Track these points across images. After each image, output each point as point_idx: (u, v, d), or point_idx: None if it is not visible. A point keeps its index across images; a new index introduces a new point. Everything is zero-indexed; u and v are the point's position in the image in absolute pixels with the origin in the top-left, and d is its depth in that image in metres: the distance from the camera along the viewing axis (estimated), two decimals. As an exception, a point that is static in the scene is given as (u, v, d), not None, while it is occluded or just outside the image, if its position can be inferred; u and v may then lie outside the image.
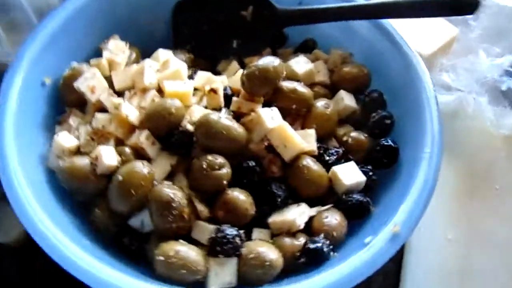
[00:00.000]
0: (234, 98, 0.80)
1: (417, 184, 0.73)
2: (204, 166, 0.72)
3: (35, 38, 0.81)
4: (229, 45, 0.94)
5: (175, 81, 0.80)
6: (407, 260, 0.88)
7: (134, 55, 0.89)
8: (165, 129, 0.76)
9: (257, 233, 0.74)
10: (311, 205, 0.76)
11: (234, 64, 0.90)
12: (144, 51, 0.90)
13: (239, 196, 0.72)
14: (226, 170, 0.73)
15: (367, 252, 0.67)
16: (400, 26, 0.88)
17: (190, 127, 0.76)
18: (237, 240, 0.69)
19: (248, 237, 0.73)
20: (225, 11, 0.92)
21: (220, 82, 0.82)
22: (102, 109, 0.80)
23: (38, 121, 0.80)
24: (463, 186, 0.94)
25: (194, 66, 0.90)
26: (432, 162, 0.74)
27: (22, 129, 0.75)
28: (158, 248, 0.68)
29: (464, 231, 0.90)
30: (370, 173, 0.79)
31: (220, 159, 0.73)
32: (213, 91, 0.79)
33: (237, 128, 0.75)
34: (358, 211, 0.76)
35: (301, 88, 0.81)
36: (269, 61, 0.79)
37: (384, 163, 0.80)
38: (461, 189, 0.94)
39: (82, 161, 0.74)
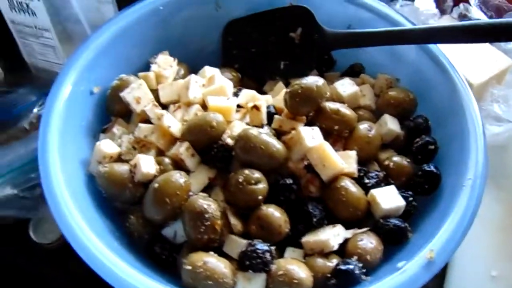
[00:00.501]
0: (276, 116, 0.80)
1: (456, 212, 0.70)
2: (241, 180, 0.72)
3: (86, 49, 0.83)
4: (276, 66, 0.94)
5: (218, 96, 0.81)
6: (447, 295, 0.85)
7: (182, 71, 0.90)
8: (205, 142, 0.76)
9: (289, 252, 0.73)
10: (348, 227, 0.75)
11: (280, 85, 0.90)
12: (193, 68, 0.92)
13: (273, 212, 0.72)
14: (262, 186, 0.73)
15: (399, 277, 0.65)
16: (452, 55, 0.86)
17: (230, 142, 0.76)
18: (267, 255, 0.68)
19: (281, 256, 0.72)
20: (274, 32, 0.93)
21: (264, 100, 0.82)
22: (146, 120, 0.82)
23: (84, 128, 0.82)
24: (509, 220, 0.90)
25: (241, 85, 0.91)
26: (474, 190, 0.72)
27: (67, 135, 0.76)
28: (187, 258, 0.67)
29: (509, 268, 0.86)
30: (410, 199, 0.77)
31: (257, 174, 0.72)
32: (256, 108, 0.79)
33: (276, 144, 0.74)
34: (395, 236, 0.74)
35: (344, 109, 0.80)
36: (313, 80, 0.78)
37: (425, 189, 0.78)
38: (507, 224, 0.90)
39: (122, 168, 0.75)
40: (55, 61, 0.95)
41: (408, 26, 0.88)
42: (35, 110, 0.94)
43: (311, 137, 0.75)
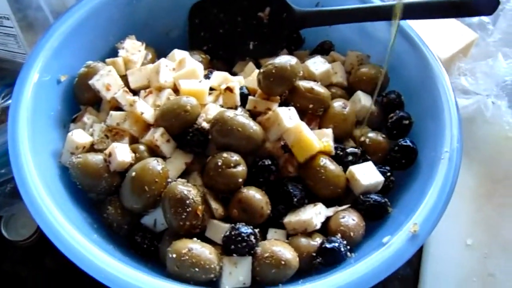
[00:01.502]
0: (250, 97, 0.80)
1: (436, 184, 0.71)
2: (220, 163, 0.71)
3: (51, 36, 0.80)
4: (246, 47, 0.93)
5: (190, 80, 0.79)
6: (425, 266, 0.86)
7: (150, 56, 0.88)
8: (180, 127, 0.75)
9: (272, 233, 0.73)
10: (328, 205, 0.75)
11: (251, 65, 0.90)
12: (160, 52, 0.90)
13: (254, 195, 0.71)
14: (241, 168, 0.72)
15: (386, 252, 0.66)
16: (419, 30, 0.87)
17: (205, 125, 0.75)
18: (252, 238, 0.68)
19: (263, 238, 0.72)
20: (242, 13, 0.92)
21: (236, 81, 0.81)
22: (117, 107, 0.80)
23: (53, 118, 0.79)
24: (482, 191, 0.92)
25: (210, 67, 0.89)
26: (451, 162, 0.73)
27: (36, 126, 0.74)
28: (171, 245, 0.66)
29: (483, 236, 0.88)
30: (388, 174, 0.78)
31: (235, 157, 0.72)
32: (229, 89, 0.78)
33: (253, 126, 0.74)
34: (375, 212, 0.74)
35: (318, 87, 0.80)
36: (286, 60, 0.78)
37: (402, 163, 0.79)
38: (480, 194, 0.92)
39: (96, 157, 0.73)
40: (17, 51, 0.91)
41: (377, 2, 0.88)
42: (-2, 102, 0.90)
43: (288, 117, 0.75)
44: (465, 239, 0.88)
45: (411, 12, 0.84)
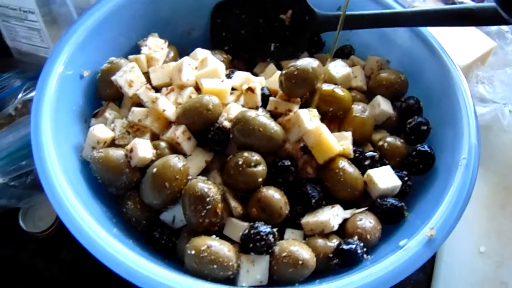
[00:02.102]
0: (272, 98, 0.80)
1: (453, 190, 0.72)
2: (240, 162, 0.72)
3: (75, 32, 0.81)
4: (267, 48, 0.94)
5: (212, 79, 0.80)
6: (438, 272, 0.87)
7: (172, 54, 0.89)
8: (202, 125, 0.76)
9: (289, 233, 0.74)
10: (345, 208, 0.76)
11: (272, 67, 0.90)
12: (181, 51, 0.91)
13: (274, 194, 0.72)
14: (262, 168, 0.73)
15: (402, 255, 0.66)
16: (438, 37, 0.88)
17: (227, 124, 0.76)
18: (271, 237, 0.68)
19: (280, 238, 0.73)
20: (264, 14, 0.93)
21: (258, 82, 0.82)
22: (139, 103, 0.81)
23: (75, 112, 0.80)
24: (496, 199, 0.93)
25: (231, 67, 0.90)
26: (469, 168, 0.73)
27: (58, 119, 0.75)
28: (190, 242, 0.67)
29: (496, 244, 0.89)
30: (406, 178, 0.78)
31: (256, 157, 0.72)
32: (251, 90, 0.79)
33: (274, 126, 0.74)
34: (392, 215, 0.75)
35: (338, 90, 0.80)
36: (308, 62, 0.78)
37: (420, 168, 0.80)
38: (494, 203, 0.92)
39: (117, 153, 0.74)
40: (40, 45, 0.92)
41: (398, 9, 0.89)
42: (20, 95, 0.91)
43: (309, 119, 0.75)
44: (478, 246, 0.88)
45: (430, 20, 0.85)
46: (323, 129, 0.76)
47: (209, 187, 0.69)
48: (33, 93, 0.92)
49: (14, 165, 0.81)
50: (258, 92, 0.80)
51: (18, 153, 0.81)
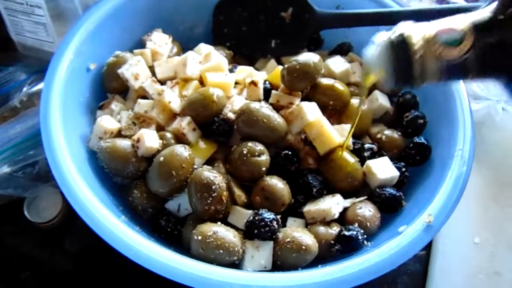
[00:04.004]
0: (274, 91, 0.83)
1: (450, 178, 0.74)
2: (245, 152, 0.74)
3: (81, 26, 0.83)
4: (268, 45, 0.96)
5: (216, 73, 0.82)
6: (433, 262, 0.89)
7: (175, 49, 0.91)
8: (207, 117, 0.78)
9: (291, 221, 0.76)
10: (345, 197, 0.78)
11: (272, 62, 0.93)
12: (183, 47, 0.93)
13: (277, 183, 0.74)
14: (265, 157, 0.75)
15: (402, 240, 0.68)
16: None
17: (231, 116, 0.78)
18: (275, 224, 0.70)
19: (283, 226, 0.74)
20: (265, 12, 0.95)
21: (260, 76, 0.84)
22: (143, 96, 0.83)
23: (82, 104, 0.82)
24: (490, 192, 0.95)
25: (233, 63, 0.92)
26: (464, 158, 0.76)
27: (67, 110, 0.77)
28: (196, 228, 0.69)
29: (490, 235, 0.91)
30: (403, 169, 0.81)
31: (260, 146, 0.75)
32: (254, 83, 0.81)
33: (277, 118, 0.77)
34: (391, 204, 0.78)
35: (338, 85, 0.83)
36: (309, 57, 0.81)
37: (417, 160, 0.82)
38: (487, 195, 0.95)
39: (124, 143, 0.76)
40: (46, 39, 0.93)
41: (396, 7, 0.92)
42: (25, 88, 0.92)
43: (311, 111, 0.78)
44: (473, 237, 0.91)
45: (426, 18, 0.88)
46: (324, 121, 0.78)
47: (214, 176, 0.71)
48: (38, 87, 0.94)
49: (21, 155, 0.82)
50: (261, 85, 0.82)
51: (25, 143, 0.83)
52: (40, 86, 0.93)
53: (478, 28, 0.59)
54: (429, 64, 0.61)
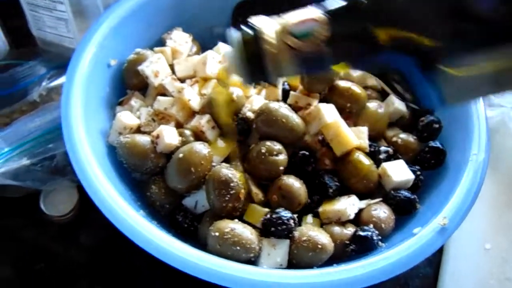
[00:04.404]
0: (292, 92, 0.84)
1: (464, 182, 0.75)
2: (263, 151, 0.75)
3: (103, 22, 0.84)
4: (285, 47, 0.97)
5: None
6: (445, 266, 0.89)
7: (195, 48, 0.92)
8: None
9: (306, 221, 0.77)
10: (360, 199, 0.79)
11: (291, 63, 0.93)
12: (202, 46, 0.94)
13: (294, 182, 0.75)
14: (283, 157, 0.76)
15: (417, 241, 0.69)
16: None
17: (250, 115, 0.79)
18: (291, 222, 0.71)
19: (299, 225, 0.75)
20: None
21: (279, 77, 0.85)
22: (163, 93, 0.84)
23: (102, 99, 0.83)
24: (502, 198, 0.96)
25: (251, 63, 0.93)
26: (479, 163, 0.77)
27: (88, 104, 0.78)
28: (213, 225, 0.70)
29: (502, 241, 0.92)
30: (418, 173, 0.82)
31: (278, 146, 0.75)
32: (272, 84, 0.82)
33: (296, 118, 0.78)
34: (405, 207, 0.78)
35: (355, 88, 0.84)
36: (328, 59, 0.82)
37: (432, 164, 0.83)
38: (500, 202, 0.95)
39: (143, 138, 0.77)
40: (66, 35, 0.95)
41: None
42: (44, 83, 0.94)
43: (329, 113, 0.79)
44: (484, 243, 0.91)
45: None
46: (342, 123, 0.79)
47: (233, 173, 0.72)
48: (57, 81, 0.95)
49: (41, 148, 0.83)
50: (280, 86, 0.83)
51: (45, 136, 0.84)
52: (59, 81, 0.94)
53: (333, 18, 0.58)
54: (284, 58, 0.60)
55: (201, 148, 0.74)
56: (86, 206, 0.89)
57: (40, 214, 0.88)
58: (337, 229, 0.75)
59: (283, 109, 0.77)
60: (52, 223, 0.89)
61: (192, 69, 0.86)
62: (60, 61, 0.96)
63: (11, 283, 0.84)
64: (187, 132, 0.79)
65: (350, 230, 0.75)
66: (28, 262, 0.86)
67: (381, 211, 0.77)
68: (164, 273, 0.85)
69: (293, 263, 0.71)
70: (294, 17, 0.61)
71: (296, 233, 0.71)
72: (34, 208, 0.88)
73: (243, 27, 0.64)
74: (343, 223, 0.76)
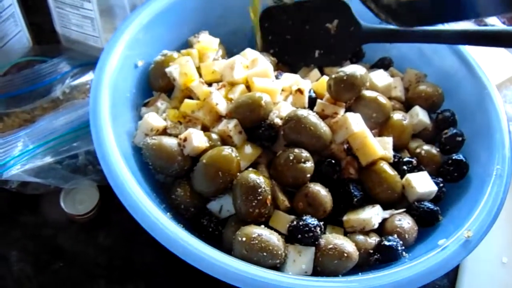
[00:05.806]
0: (319, 101, 0.84)
1: (488, 196, 0.76)
2: (291, 158, 0.75)
3: (131, 23, 0.84)
4: (311, 54, 0.97)
5: (263, 78, 0.84)
6: (461, 279, 0.90)
7: (221, 52, 0.92)
8: (253, 121, 0.79)
9: (330, 229, 0.77)
10: (384, 209, 0.79)
11: (316, 72, 0.94)
12: (228, 51, 0.95)
13: (320, 190, 0.75)
14: (310, 164, 0.76)
15: (441, 253, 0.70)
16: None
17: (278, 121, 0.79)
18: (318, 230, 0.71)
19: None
20: (310, 22, 0.96)
21: (306, 84, 0.86)
22: (189, 96, 0.84)
23: (129, 100, 0.83)
24: (520, 213, 0.97)
25: (276, 70, 0.93)
26: (502, 177, 0.78)
27: (115, 104, 0.78)
28: (240, 230, 0.70)
29: (519, 256, 0.93)
30: (441, 185, 0.82)
31: (306, 153, 0.76)
32: (300, 91, 0.83)
33: (323, 126, 0.78)
34: (428, 218, 0.79)
35: (381, 98, 0.84)
36: (356, 69, 0.82)
37: (454, 176, 0.84)
38: (517, 216, 0.96)
39: (170, 141, 0.77)
40: (91, 34, 0.95)
41: (440, 27, 0.93)
42: (67, 80, 0.93)
43: (356, 122, 0.79)
44: (501, 257, 0.92)
45: (466, 39, 0.90)
46: (368, 133, 0.80)
47: (260, 179, 0.72)
48: (80, 80, 0.95)
49: (66, 146, 0.83)
50: (306, 93, 0.84)
51: (70, 135, 0.84)
52: (82, 79, 0.94)
53: None
54: None
55: (229, 152, 0.74)
56: (106, 206, 0.90)
57: (60, 212, 0.87)
58: (361, 238, 0.75)
59: (312, 116, 0.77)
60: (72, 222, 0.89)
61: (219, 73, 0.86)
62: (83, 59, 0.96)
63: (30, 281, 0.84)
64: (214, 136, 0.79)
65: (374, 239, 0.75)
66: (46, 260, 0.86)
67: (405, 222, 0.77)
68: (181, 274, 0.85)
69: (317, 271, 0.71)
70: None
71: (322, 241, 0.72)
72: (54, 207, 0.87)
73: None
74: (367, 232, 0.76)
